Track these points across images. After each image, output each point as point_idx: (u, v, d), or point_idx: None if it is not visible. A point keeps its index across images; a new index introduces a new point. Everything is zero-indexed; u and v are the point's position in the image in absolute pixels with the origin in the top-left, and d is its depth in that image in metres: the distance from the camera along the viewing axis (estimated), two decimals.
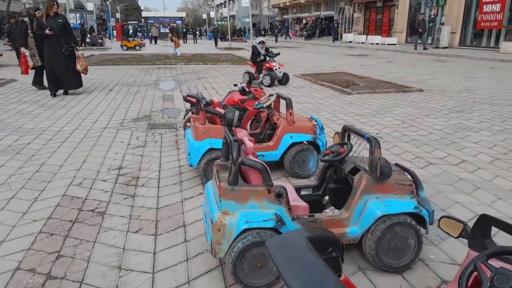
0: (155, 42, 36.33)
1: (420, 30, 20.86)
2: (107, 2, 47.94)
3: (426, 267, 2.54)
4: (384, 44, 27.12)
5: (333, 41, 31.44)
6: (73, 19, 40.87)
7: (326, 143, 4.24)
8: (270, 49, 11.16)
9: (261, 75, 10.52)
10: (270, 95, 4.49)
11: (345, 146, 2.70)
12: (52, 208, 3.42)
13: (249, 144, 2.54)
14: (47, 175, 4.17)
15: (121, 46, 26.93)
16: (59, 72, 8.60)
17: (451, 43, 22.31)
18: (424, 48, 20.76)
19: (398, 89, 9.26)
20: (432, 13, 25.67)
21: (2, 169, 4.33)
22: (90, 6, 43.56)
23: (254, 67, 10.90)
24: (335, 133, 2.94)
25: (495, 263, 1.26)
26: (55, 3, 8.36)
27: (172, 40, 24.92)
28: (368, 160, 2.46)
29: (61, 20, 8.46)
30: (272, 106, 4.41)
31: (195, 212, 3.35)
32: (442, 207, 3.32)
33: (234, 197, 2.29)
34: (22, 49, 9.22)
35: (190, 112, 5.25)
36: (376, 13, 33.32)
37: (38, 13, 9.40)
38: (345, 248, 1.26)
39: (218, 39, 35.58)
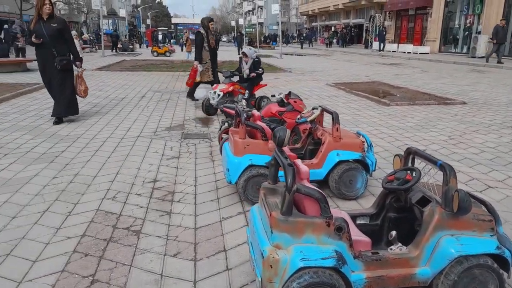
0: None
1: (495, 39, 17.45)
2: (139, 9, 48.94)
3: None
4: (417, 53, 26.43)
5: (379, 50, 30.20)
6: (106, 25, 41.87)
7: (376, 161, 3.94)
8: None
9: (246, 93, 7.58)
10: (314, 108, 4.22)
11: (412, 172, 2.39)
12: (86, 224, 3.25)
13: (304, 168, 2.28)
14: (81, 186, 4.04)
15: (152, 52, 27.32)
16: (54, 92, 6.76)
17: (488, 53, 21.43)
18: (499, 62, 17.49)
19: (438, 101, 8.80)
20: (467, 21, 24.84)
21: (37, 179, 4.22)
22: (122, 13, 44.65)
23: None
24: (395, 155, 2.65)
25: None
26: (46, 1, 6.25)
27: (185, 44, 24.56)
28: (443, 191, 2.15)
29: (55, 25, 6.34)
30: (315, 120, 4.15)
31: (235, 235, 3.11)
32: None
33: (288, 229, 2.03)
34: (196, 63, 8.46)
35: (226, 124, 5.06)
36: (408, 21, 32.59)
37: (212, 24, 8.62)
38: None
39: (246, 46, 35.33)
